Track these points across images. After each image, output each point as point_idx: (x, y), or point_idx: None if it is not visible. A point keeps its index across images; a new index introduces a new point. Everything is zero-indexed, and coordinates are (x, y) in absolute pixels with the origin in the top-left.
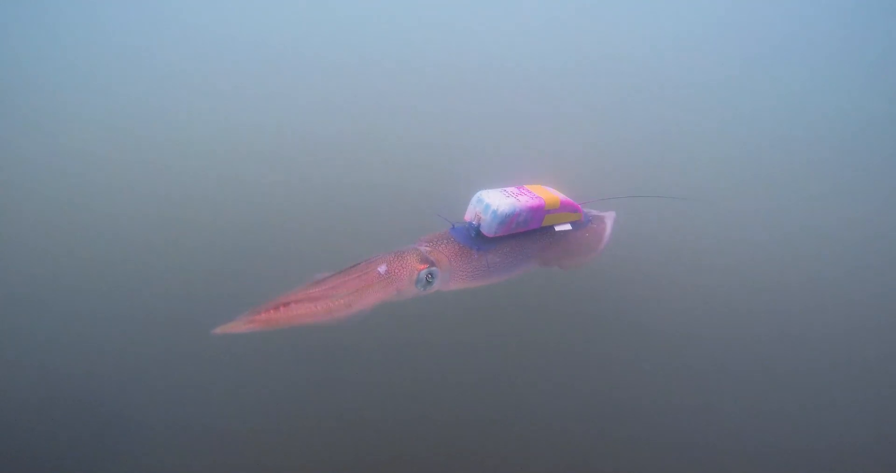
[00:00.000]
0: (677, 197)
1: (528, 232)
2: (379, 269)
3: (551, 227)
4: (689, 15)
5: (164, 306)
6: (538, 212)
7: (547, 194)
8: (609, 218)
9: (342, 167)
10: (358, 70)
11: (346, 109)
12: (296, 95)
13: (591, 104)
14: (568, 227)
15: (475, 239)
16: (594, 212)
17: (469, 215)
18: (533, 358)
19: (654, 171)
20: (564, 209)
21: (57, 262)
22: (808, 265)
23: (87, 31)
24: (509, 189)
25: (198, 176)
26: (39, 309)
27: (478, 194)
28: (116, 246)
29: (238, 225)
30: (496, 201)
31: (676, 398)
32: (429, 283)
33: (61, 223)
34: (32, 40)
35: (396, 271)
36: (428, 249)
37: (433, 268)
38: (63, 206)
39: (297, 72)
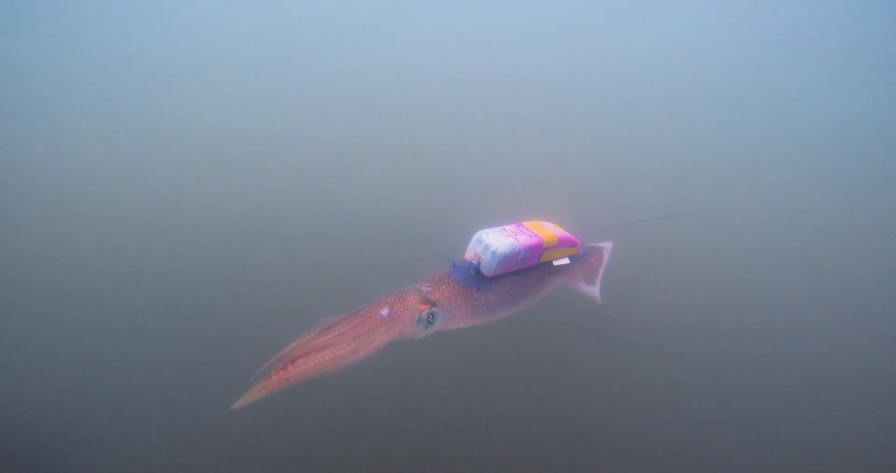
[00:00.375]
0: (671, 216)
1: (526, 268)
2: (382, 312)
3: (550, 262)
4: (687, 35)
5: (177, 363)
6: (536, 250)
7: (545, 231)
8: (607, 249)
9: (344, 203)
10: (357, 107)
11: (346, 146)
12: (295, 133)
13: (582, 131)
14: (566, 261)
15: (475, 278)
16: (592, 243)
17: (469, 254)
18: (534, 389)
19: (650, 193)
20: (563, 245)
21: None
22: (808, 277)
23: (94, 41)
24: (508, 228)
25: (195, 227)
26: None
27: (477, 233)
28: (118, 309)
29: (242, 267)
30: (495, 242)
31: (689, 431)
32: (430, 323)
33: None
34: (36, 51)
35: (399, 312)
36: (429, 288)
37: (434, 308)
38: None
39: (295, 106)
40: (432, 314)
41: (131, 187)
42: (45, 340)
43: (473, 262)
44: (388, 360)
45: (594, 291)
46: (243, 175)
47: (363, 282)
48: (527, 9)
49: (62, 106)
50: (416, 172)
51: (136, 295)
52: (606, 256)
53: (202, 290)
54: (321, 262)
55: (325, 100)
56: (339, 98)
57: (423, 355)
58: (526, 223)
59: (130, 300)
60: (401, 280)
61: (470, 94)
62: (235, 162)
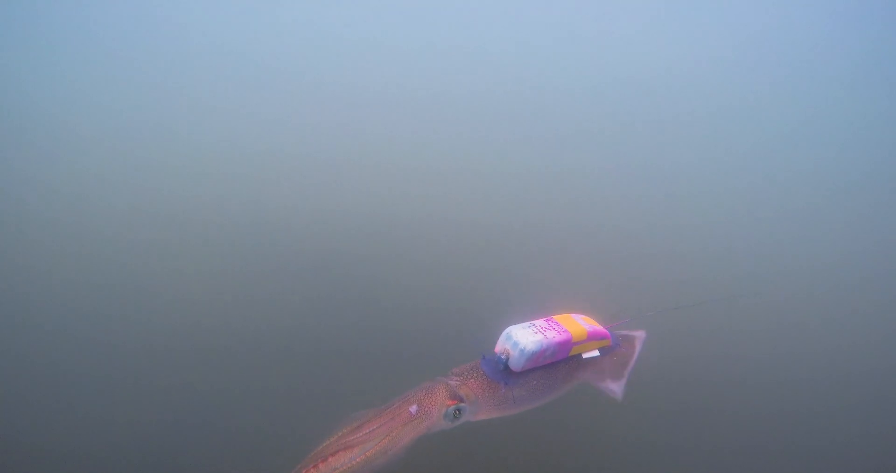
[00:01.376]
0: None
1: (555, 362)
2: (410, 410)
3: (579, 355)
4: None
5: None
6: (565, 345)
7: (575, 325)
8: (639, 339)
9: (376, 294)
10: (386, 198)
11: (377, 237)
12: (326, 220)
13: (615, 220)
14: (596, 353)
15: (503, 373)
16: (624, 332)
17: (498, 348)
18: None
19: (687, 277)
20: (592, 339)
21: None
22: (853, 363)
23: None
24: (538, 323)
25: (218, 316)
26: None
27: (507, 329)
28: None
29: (270, 357)
30: (524, 339)
31: None
32: (456, 418)
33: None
34: (33, 58)
35: (427, 407)
36: (457, 382)
37: (462, 404)
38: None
39: (322, 188)
40: (459, 410)
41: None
42: None
43: (502, 357)
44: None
45: (617, 388)
46: (268, 260)
47: (395, 371)
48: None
49: (60, 113)
50: (447, 259)
51: (158, 392)
52: (638, 346)
53: (230, 384)
54: (353, 351)
55: (352, 183)
56: (365, 181)
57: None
58: (556, 317)
59: (151, 391)
60: (432, 368)
61: (502, 180)
62: (254, 244)
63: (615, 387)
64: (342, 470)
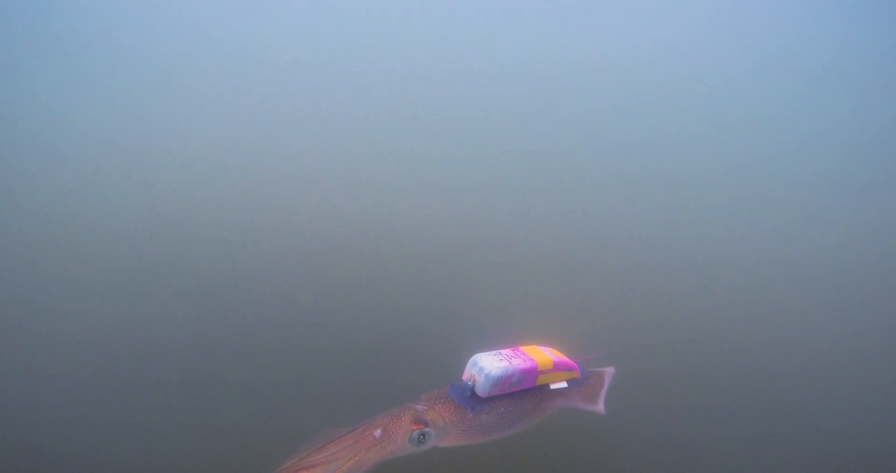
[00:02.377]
0: (675, 342)
1: (523, 391)
2: (375, 433)
3: (547, 385)
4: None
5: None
6: (531, 373)
7: (541, 355)
8: (608, 374)
9: (347, 317)
10: (354, 222)
11: (348, 260)
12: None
13: (588, 254)
14: (563, 385)
15: (470, 399)
16: (593, 368)
17: (466, 376)
18: None
19: (659, 315)
20: (559, 369)
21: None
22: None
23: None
24: (504, 351)
25: (187, 348)
26: None
27: (474, 356)
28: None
29: (238, 377)
30: (489, 365)
31: None
32: (421, 442)
33: None
34: (34, 55)
35: (392, 431)
36: (424, 407)
37: (426, 429)
38: None
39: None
40: (424, 434)
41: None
42: None
43: (469, 383)
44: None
45: (597, 406)
46: (223, 285)
47: (361, 395)
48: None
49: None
50: (420, 288)
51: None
52: (608, 380)
53: (197, 404)
54: (320, 375)
55: (317, 199)
56: (331, 200)
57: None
58: (523, 348)
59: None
60: (401, 394)
61: (475, 207)
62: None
63: (595, 406)
64: None
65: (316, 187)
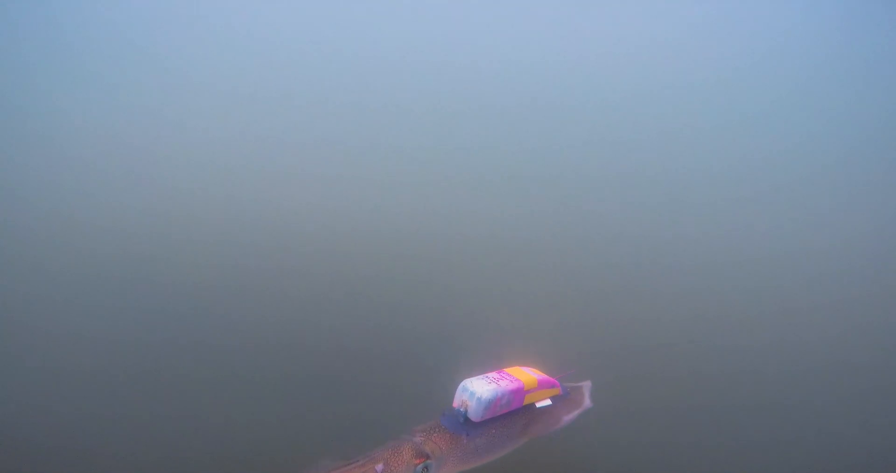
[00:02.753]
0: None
1: (512, 411)
2: (377, 468)
3: (533, 404)
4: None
5: None
6: (519, 393)
7: (525, 375)
8: (586, 387)
9: (335, 352)
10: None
11: (330, 302)
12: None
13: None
14: (548, 402)
15: (464, 425)
16: (572, 384)
17: (456, 402)
18: None
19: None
20: (543, 387)
21: None
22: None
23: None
24: (490, 375)
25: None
26: None
27: (463, 382)
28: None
29: (238, 412)
30: (479, 389)
31: None
32: None
33: None
34: (36, 52)
35: (394, 466)
36: (421, 439)
37: (428, 461)
38: None
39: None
40: (426, 467)
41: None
42: None
43: (461, 409)
44: None
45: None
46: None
47: (355, 431)
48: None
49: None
50: (405, 316)
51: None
52: (587, 393)
53: (195, 433)
54: (314, 406)
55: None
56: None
57: None
58: (506, 370)
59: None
60: (392, 426)
61: (450, 240)
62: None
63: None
64: None
65: (281, 217)
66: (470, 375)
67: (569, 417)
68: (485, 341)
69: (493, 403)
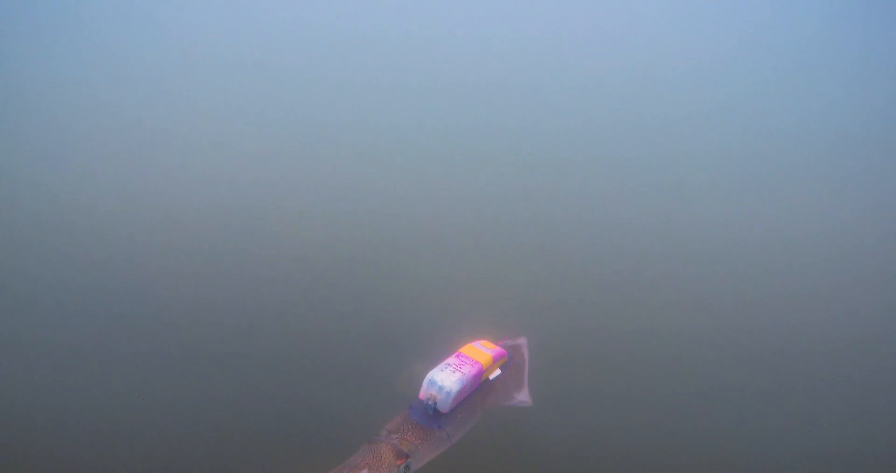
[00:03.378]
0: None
1: (472, 393)
2: None
3: (487, 378)
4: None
5: None
6: (479, 375)
7: (481, 354)
8: (524, 345)
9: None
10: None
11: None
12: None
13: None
14: (498, 372)
15: (433, 417)
16: (510, 342)
17: (423, 395)
18: None
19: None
20: (496, 361)
21: None
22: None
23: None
24: (451, 362)
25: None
26: None
27: (428, 375)
28: None
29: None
30: (447, 382)
31: None
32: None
33: None
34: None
35: (377, 469)
36: (397, 438)
37: (409, 460)
38: None
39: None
40: (408, 466)
41: None
42: None
43: (430, 403)
44: None
45: (524, 396)
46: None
47: (323, 437)
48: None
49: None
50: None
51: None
52: (526, 352)
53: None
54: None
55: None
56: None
57: None
58: (462, 351)
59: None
60: (361, 426)
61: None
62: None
63: (522, 396)
64: None
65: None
66: (427, 360)
67: (517, 383)
68: (432, 319)
69: (460, 393)
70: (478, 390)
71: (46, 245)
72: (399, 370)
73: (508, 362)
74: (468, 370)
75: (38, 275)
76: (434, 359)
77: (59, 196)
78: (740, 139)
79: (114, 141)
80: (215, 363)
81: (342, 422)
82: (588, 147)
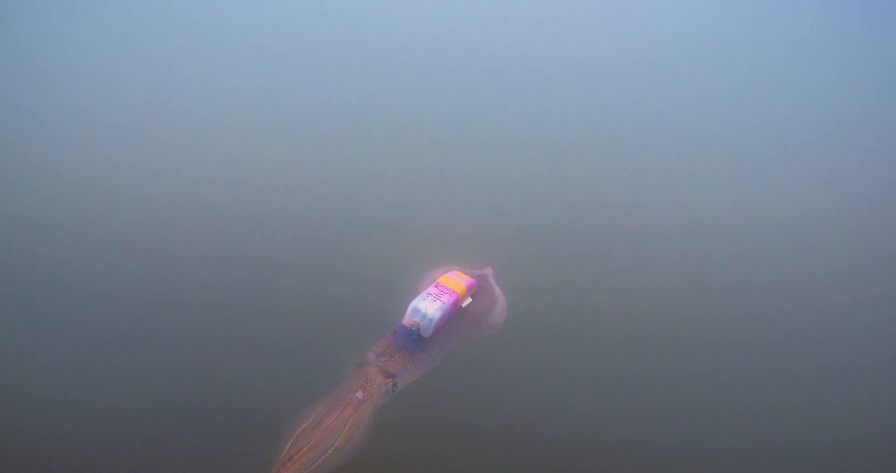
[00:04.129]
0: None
1: (450, 319)
2: (357, 396)
3: (461, 305)
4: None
5: None
6: (455, 303)
7: (456, 284)
8: (489, 275)
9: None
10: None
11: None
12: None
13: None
14: (470, 300)
15: (417, 341)
16: (477, 272)
17: (407, 322)
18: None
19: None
20: (469, 290)
21: None
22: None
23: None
24: (431, 291)
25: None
26: None
27: (412, 304)
28: None
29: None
30: (429, 310)
31: None
32: (394, 390)
33: None
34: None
35: (369, 390)
36: (384, 360)
37: (396, 379)
38: None
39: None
40: (395, 384)
41: None
42: None
43: (413, 329)
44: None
45: (493, 322)
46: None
47: (318, 365)
48: None
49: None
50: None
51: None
52: (493, 281)
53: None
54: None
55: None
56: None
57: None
58: (439, 281)
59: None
60: (350, 350)
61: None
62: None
63: (492, 321)
64: (317, 465)
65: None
66: (407, 289)
67: (486, 309)
68: (407, 251)
69: (441, 319)
70: (455, 316)
71: (46, 245)
72: (380, 301)
73: (478, 290)
74: (447, 299)
75: (38, 275)
76: (411, 288)
77: (58, 196)
78: (735, 124)
79: (103, 131)
80: (217, 309)
81: (334, 352)
82: (567, 95)
